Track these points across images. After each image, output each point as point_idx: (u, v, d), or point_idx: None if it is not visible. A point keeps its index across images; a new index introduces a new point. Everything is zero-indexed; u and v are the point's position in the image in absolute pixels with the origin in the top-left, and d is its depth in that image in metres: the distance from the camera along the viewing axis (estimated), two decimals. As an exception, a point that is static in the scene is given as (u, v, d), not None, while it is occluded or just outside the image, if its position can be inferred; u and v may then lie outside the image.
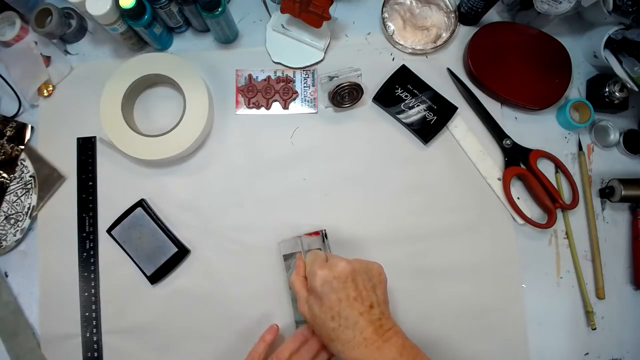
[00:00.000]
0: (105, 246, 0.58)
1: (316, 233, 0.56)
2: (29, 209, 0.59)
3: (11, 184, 0.60)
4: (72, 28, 0.61)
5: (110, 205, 0.59)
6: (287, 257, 0.56)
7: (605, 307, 0.58)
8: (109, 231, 0.58)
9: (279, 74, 0.61)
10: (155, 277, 0.57)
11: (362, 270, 0.43)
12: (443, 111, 0.59)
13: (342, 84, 0.55)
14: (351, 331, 0.40)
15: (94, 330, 0.57)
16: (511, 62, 0.60)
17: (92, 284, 0.57)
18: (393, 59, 0.62)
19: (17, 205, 0.59)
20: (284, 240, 0.56)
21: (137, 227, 0.57)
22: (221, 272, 0.58)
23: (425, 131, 0.59)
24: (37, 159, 0.60)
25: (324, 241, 0.56)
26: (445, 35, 0.61)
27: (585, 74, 0.63)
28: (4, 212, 0.59)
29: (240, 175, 0.59)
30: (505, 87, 0.60)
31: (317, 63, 0.61)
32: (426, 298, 0.57)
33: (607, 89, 0.59)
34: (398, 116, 0.59)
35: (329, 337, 0.42)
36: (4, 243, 0.58)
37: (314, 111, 0.61)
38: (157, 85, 0.61)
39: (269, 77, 0.61)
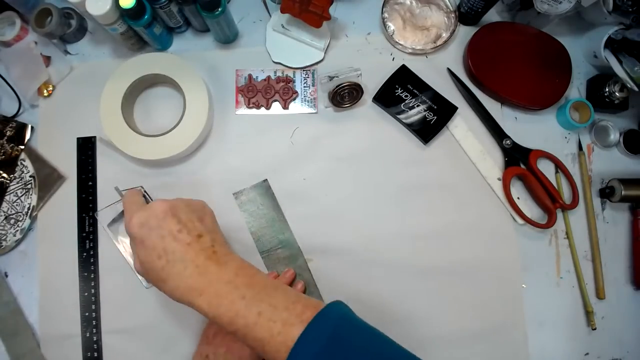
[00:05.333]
0: (105, 246, 0.58)
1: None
2: (29, 209, 0.59)
3: (11, 184, 0.60)
4: (72, 28, 0.61)
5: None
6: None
7: (606, 307, 0.58)
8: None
9: (279, 74, 0.61)
10: (154, 277, 0.57)
11: (182, 205, 0.41)
12: (443, 111, 0.59)
13: (342, 84, 0.55)
14: (181, 263, 0.38)
15: (94, 330, 0.57)
16: (511, 62, 0.60)
17: (92, 284, 0.57)
18: (393, 59, 0.62)
19: (17, 205, 0.59)
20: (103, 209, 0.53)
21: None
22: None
23: (425, 131, 0.59)
24: (37, 159, 0.60)
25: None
26: (445, 35, 0.61)
27: (585, 74, 0.63)
28: (4, 212, 0.59)
29: (240, 175, 0.59)
30: (505, 87, 0.60)
31: (317, 63, 0.61)
32: (426, 297, 0.57)
33: (607, 89, 0.59)
34: (398, 116, 0.59)
35: (160, 278, 0.39)
36: (4, 243, 0.58)
37: (314, 111, 0.61)
38: (157, 85, 0.61)
39: (269, 77, 0.61)
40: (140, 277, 0.56)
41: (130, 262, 0.56)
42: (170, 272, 0.38)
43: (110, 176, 0.60)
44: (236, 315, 0.37)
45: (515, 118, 0.61)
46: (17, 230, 0.58)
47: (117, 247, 0.57)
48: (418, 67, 0.61)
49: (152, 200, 0.52)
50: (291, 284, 0.56)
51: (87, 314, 0.57)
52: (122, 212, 0.53)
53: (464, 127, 0.60)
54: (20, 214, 0.59)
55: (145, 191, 0.53)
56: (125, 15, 0.53)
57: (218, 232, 0.43)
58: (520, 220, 0.58)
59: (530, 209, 0.59)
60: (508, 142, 0.59)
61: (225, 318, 0.37)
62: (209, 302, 0.37)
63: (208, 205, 0.45)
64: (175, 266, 0.38)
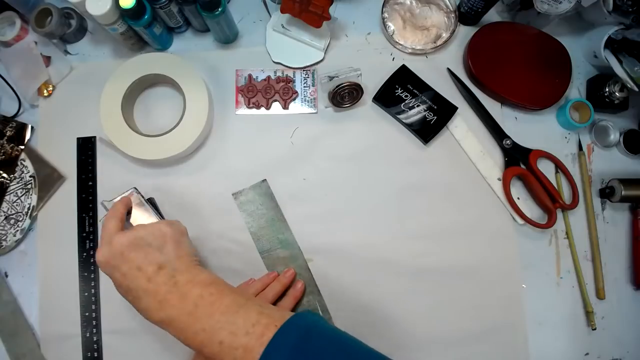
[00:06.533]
0: (105, 246, 0.58)
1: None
2: (29, 209, 0.59)
3: (11, 184, 0.60)
4: (72, 28, 0.61)
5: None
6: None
7: (606, 307, 0.58)
8: None
9: (279, 74, 0.61)
10: (154, 277, 0.57)
11: (142, 235, 0.43)
12: (443, 111, 0.59)
13: (342, 84, 0.55)
14: (145, 299, 0.41)
15: (94, 330, 0.57)
16: (511, 62, 0.60)
17: (92, 284, 0.57)
18: (393, 59, 0.62)
19: (17, 205, 0.59)
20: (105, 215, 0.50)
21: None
22: (221, 272, 0.57)
23: (426, 131, 0.59)
24: (37, 159, 0.60)
25: (142, 199, 0.52)
26: (445, 35, 0.61)
27: (585, 74, 0.63)
28: (4, 212, 0.59)
29: (240, 176, 0.59)
30: (505, 87, 0.60)
31: (317, 63, 0.61)
32: (426, 298, 0.57)
33: (607, 89, 0.59)
34: (398, 116, 0.59)
35: (134, 307, 0.42)
36: (4, 243, 0.58)
37: (314, 111, 0.61)
38: (157, 85, 0.61)
39: (269, 77, 0.61)
40: None
41: None
42: (138, 306, 0.42)
43: (110, 176, 0.60)
44: (201, 344, 0.39)
45: (515, 118, 0.61)
46: (17, 230, 0.58)
47: None
48: (418, 67, 0.61)
49: (145, 201, 0.52)
50: (291, 283, 0.56)
51: (87, 314, 0.57)
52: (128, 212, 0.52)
53: (464, 127, 0.60)
54: (20, 214, 0.59)
55: (138, 191, 0.52)
56: (125, 15, 0.53)
57: (182, 257, 0.43)
58: (520, 220, 0.58)
59: (530, 209, 0.59)
60: (508, 142, 0.59)
61: (193, 346, 0.40)
62: (176, 333, 0.40)
63: (174, 225, 0.45)
64: (141, 302, 0.41)
